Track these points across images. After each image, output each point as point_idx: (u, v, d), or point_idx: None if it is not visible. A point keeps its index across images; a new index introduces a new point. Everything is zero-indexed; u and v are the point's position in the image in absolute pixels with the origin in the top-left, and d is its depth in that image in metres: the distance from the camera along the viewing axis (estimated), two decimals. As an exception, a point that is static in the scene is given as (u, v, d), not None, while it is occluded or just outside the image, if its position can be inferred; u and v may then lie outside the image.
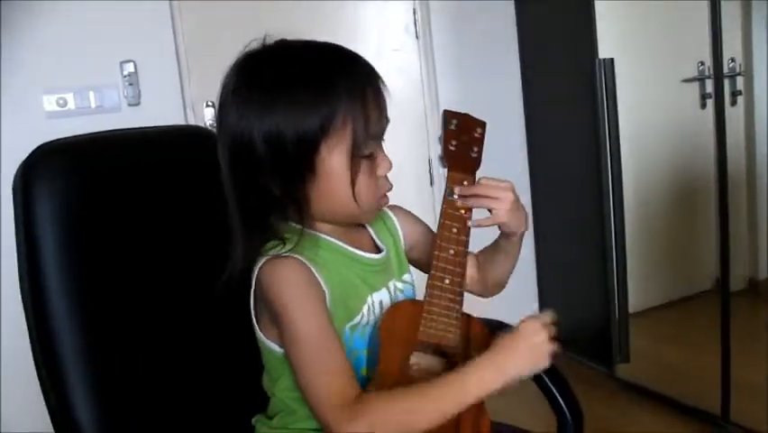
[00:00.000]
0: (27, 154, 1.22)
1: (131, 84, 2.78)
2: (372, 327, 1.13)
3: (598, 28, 2.81)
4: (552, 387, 1.28)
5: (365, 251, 1.18)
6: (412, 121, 3.29)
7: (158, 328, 1.25)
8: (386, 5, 3.27)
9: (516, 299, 3.38)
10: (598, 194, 2.93)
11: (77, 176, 1.23)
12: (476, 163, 1.17)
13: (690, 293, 3.13)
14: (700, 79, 2.76)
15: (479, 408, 1.08)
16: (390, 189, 1.15)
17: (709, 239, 2.58)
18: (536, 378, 1.30)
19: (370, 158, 1.09)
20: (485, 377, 1.02)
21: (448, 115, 1.17)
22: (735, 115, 2.65)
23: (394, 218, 1.29)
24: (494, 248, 1.26)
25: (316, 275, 1.06)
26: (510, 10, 3.38)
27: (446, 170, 1.16)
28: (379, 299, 1.16)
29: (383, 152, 1.12)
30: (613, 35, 2.85)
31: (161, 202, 1.31)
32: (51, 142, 1.26)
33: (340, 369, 1.02)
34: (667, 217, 3.18)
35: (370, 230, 1.24)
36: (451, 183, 1.15)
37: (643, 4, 2.92)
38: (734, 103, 2.63)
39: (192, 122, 2.85)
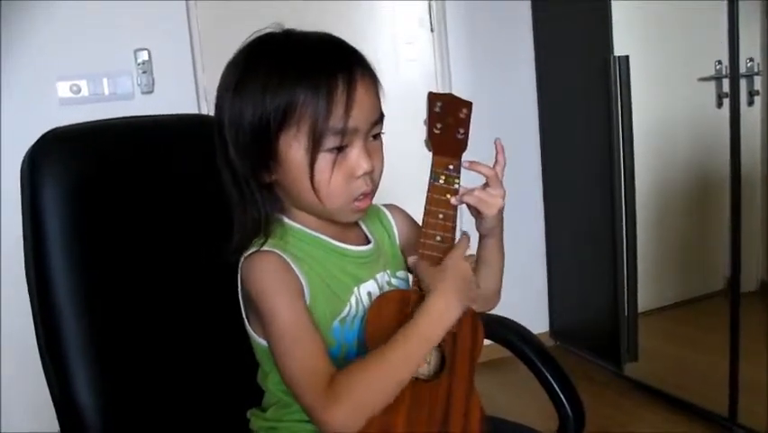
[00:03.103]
0: (38, 140, 1.23)
1: (144, 72, 2.79)
2: (361, 319, 1.11)
3: (614, 25, 2.80)
4: (552, 381, 1.28)
5: (352, 243, 1.17)
6: (425, 115, 3.26)
7: (158, 318, 1.25)
8: (401, -1, 3.25)
9: (526, 294, 3.40)
10: (609, 192, 2.92)
11: (84, 161, 1.24)
12: (462, 145, 1.13)
13: (701, 293, 3.11)
14: (717, 78, 2.73)
15: (471, 400, 1.07)
16: (371, 191, 1.11)
17: (722, 239, 2.56)
18: (537, 373, 1.30)
19: (341, 154, 1.05)
20: (434, 325, 1.02)
21: (432, 97, 1.13)
22: (752, 116, 2.62)
23: (389, 216, 1.28)
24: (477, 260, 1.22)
25: (295, 269, 1.06)
26: (526, 5, 3.36)
27: (431, 154, 1.12)
28: (367, 290, 1.14)
29: (363, 150, 1.07)
30: (629, 32, 2.83)
31: (167, 190, 1.31)
32: (59, 128, 1.27)
33: (315, 356, 1.02)
34: (680, 216, 3.16)
35: (361, 223, 1.22)
36: (436, 167, 1.11)
37: (659, 2, 2.90)
38: (751, 103, 2.60)
39: (205, 111, 2.86)
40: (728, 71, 2.43)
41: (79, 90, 2.72)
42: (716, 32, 2.46)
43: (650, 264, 3.02)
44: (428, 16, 3.27)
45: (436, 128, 1.11)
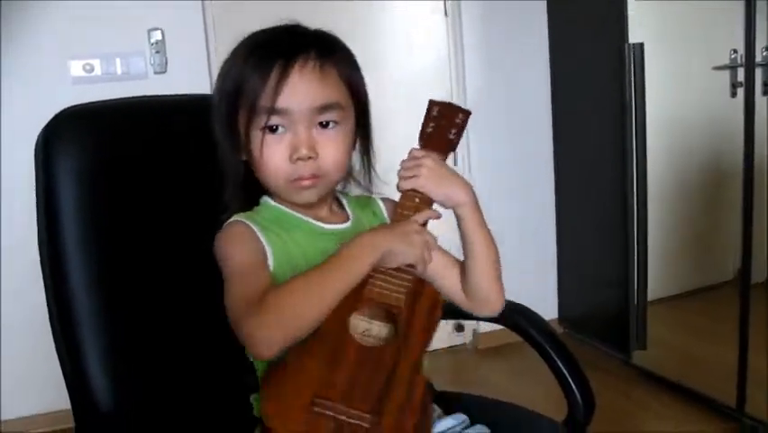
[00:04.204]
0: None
1: (157, 52, 2.79)
2: None
3: (629, 12, 2.78)
4: (561, 367, 1.28)
5: (328, 222, 1.20)
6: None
7: (170, 297, 1.26)
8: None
9: (535, 281, 3.39)
10: (621, 179, 2.91)
11: (97, 140, 1.25)
12: (451, 145, 1.17)
13: (710, 283, 3.11)
14: (732, 68, 2.71)
15: (416, 373, 1.05)
16: (312, 175, 1.12)
17: (733, 229, 2.55)
18: (547, 358, 1.30)
19: (278, 135, 1.11)
20: (358, 251, 1.05)
21: (431, 103, 1.18)
22: (766, 106, 2.61)
23: (382, 206, 1.30)
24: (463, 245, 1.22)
25: (260, 236, 1.11)
26: (541, -9, 3.35)
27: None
28: None
29: (303, 135, 1.10)
30: (644, 19, 2.82)
31: (180, 169, 1.32)
32: (74, 106, 1.28)
33: (256, 288, 1.04)
34: (691, 205, 3.15)
35: (347, 206, 1.26)
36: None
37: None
38: (765, 93, 2.58)
39: (217, 92, 2.86)
40: (744, 60, 2.41)
41: (92, 69, 2.73)
42: (731, 20, 2.44)
43: (660, 253, 3.01)
44: (443, 1, 3.26)
45: (429, 127, 1.17)
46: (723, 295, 2.87)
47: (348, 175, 1.22)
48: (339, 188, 1.24)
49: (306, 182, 1.13)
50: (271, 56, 1.09)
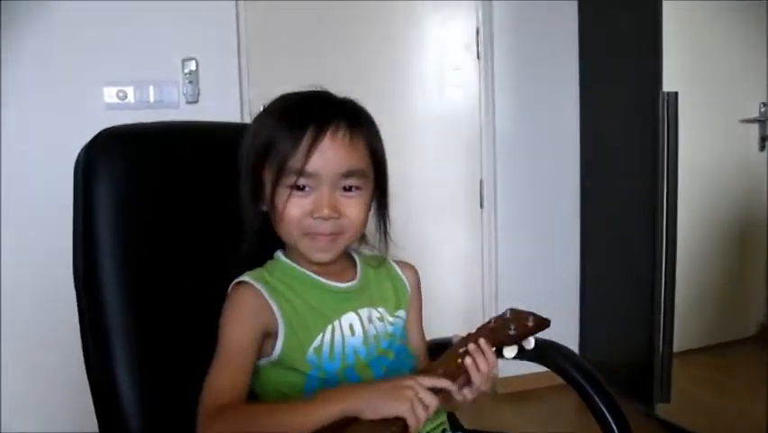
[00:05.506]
0: (84, 141, 1.27)
1: (191, 82, 2.81)
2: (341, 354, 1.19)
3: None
4: (601, 405, 1.27)
5: (339, 280, 1.24)
6: (466, 141, 3.28)
7: (200, 315, 1.25)
8: (449, 25, 3.28)
9: (556, 326, 3.35)
10: (651, 228, 2.88)
11: (137, 160, 1.28)
12: (508, 339, 1.15)
13: (733, 338, 3.07)
14: (761, 121, 2.71)
15: None
16: (331, 233, 1.18)
17: (757, 283, 2.53)
18: (585, 396, 1.28)
19: (304, 193, 1.16)
20: (332, 398, 1.05)
21: (507, 310, 1.20)
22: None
23: (398, 270, 1.35)
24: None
25: (268, 300, 1.16)
26: (574, 36, 3.36)
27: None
28: (348, 322, 1.22)
29: (326, 196, 1.16)
30: (676, 69, 2.81)
31: (216, 192, 1.33)
32: (116, 126, 1.30)
33: (231, 380, 1.11)
34: (713, 259, 3.12)
35: (359, 266, 1.30)
36: (471, 336, 1.15)
37: (709, 40, 2.88)
38: (794, 148, 2.58)
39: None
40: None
41: (126, 96, 2.75)
42: (763, 73, 2.44)
43: (684, 305, 2.98)
44: (475, 43, 3.28)
45: (492, 323, 1.18)
46: (746, 350, 2.84)
47: (362, 237, 1.28)
48: (354, 246, 1.30)
49: (324, 240, 1.18)
50: (305, 121, 1.15)
